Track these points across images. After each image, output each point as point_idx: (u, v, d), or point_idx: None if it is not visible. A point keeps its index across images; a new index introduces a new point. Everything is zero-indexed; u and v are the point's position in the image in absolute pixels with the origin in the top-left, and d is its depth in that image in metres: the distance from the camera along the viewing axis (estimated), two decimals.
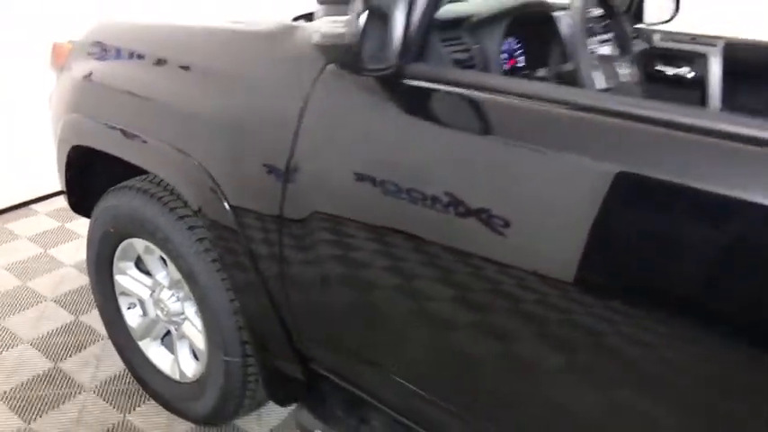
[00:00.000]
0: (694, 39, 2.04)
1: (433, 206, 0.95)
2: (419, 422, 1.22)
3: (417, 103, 0.99)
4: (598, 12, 1.45)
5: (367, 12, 0.84)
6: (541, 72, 1.47)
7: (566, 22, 1.23)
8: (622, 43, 1.48)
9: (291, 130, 1.10)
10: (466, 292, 0.95)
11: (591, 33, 1.39)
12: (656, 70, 2.10)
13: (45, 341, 2.04)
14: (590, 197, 0.80)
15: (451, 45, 1.26)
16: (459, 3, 1.37)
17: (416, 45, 0.98)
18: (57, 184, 1.84)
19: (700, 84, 2.02)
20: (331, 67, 1.07)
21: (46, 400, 1.79)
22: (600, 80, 1.18)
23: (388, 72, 0.92)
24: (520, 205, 0.87)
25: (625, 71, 1.29)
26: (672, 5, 2.17)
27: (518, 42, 1.40)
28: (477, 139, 0.94)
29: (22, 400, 1.78)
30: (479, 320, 0.96)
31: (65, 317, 2.17)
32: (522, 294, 0.88)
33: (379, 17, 0.88)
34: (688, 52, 2.03)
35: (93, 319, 2.11)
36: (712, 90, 2.01)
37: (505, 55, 1.38)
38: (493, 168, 0.91)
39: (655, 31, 2.15)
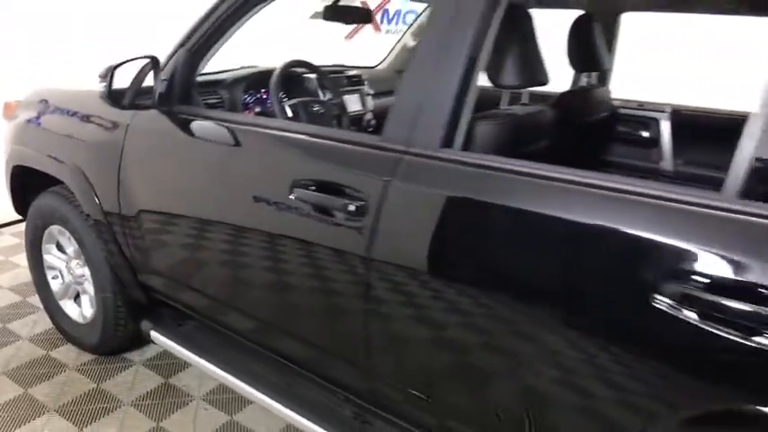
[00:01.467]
0: None
1: (197, 184, 1.79)
2: (219, 323, 2.01)
3: (180, 127, 1.84)
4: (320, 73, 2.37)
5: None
6: None
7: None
8: (323, 92, 2.36)
9: (119, 153, 1.95)
10: (232, 235, 1.74)
11: (323, 87, 2.29)
12: None
13: None
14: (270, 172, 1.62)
15: (209, 95, 2.14)
16: (219, 72, 2.27)
17: (181, 95, 1.84)
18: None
19: None
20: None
21: None
22: (290, 113, 2.04)
23: (151, 109, 1.80)
24: (223, 178, 1.71)
25: (317, 108, 2.14)
26: None
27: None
28: (209, 144, 1.78)
29: None
30: (240, 245, 1.75)
31: (15, 298, 2.97)
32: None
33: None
34: None
35: (36, 300, 2.88)
36: None
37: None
38: (215, 160, 1.75)
39: None
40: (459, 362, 1.34)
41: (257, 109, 2.24)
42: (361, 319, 1.46)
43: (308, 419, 1.66)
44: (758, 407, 0.96)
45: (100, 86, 1.77)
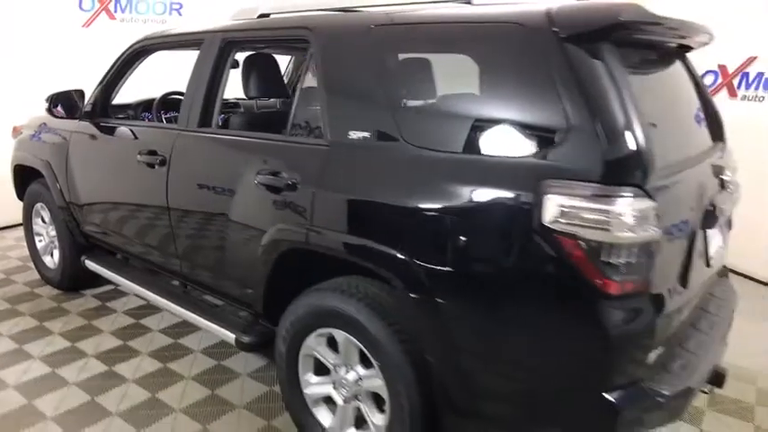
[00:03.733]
0: None
1: (107, 162, 3.05)
2: (116, 248, 3.23)
3: (101, 130, 3.11)
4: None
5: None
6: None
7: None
8: None
9: (66, 155, 3.25)
10: (121, 192, 3.00)
11: None
12: None
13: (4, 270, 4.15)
14: (125, 157, 2.87)
15: (121, 112, 3.42)
16: (131, 101, 3.57)
17: (100, 111, 3.13)
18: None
19: None
20: None
21: None
22: (164, 121, 3.30)
23: (79, 119, 3.09)
24: (120, 163, 2.96)
25: None
26: None
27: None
28: (112, 138, 3.04)
29: None
30: (124, 196, 3.00)
31: (20, 263, 4.27)
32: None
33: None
34: None
35: (27, 275, 4.17)
36: None
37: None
38: (120, 153, 3.00)
39: None
40: (207, 244, 2.53)
41: (147, 120, 3.53)
42: (169, 226, 2.65)
43: (162, 297, 2.84)
44: (281, 227, 2.09)
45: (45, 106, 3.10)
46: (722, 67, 4.49)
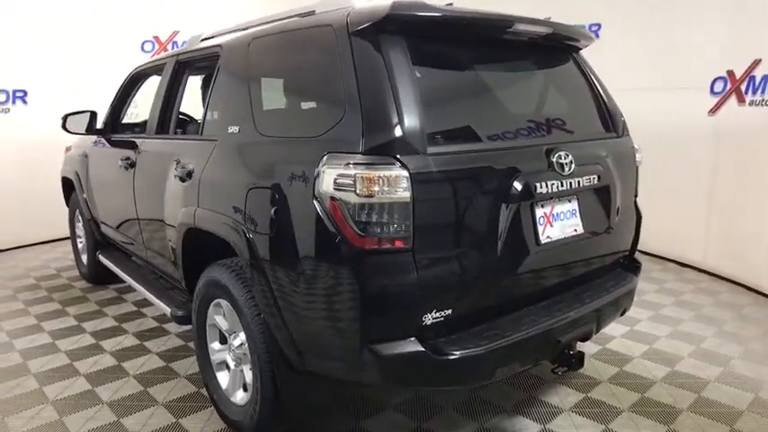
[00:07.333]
0: None
1: (107, 175, 3.66)
2: (128, 251, 3.79)
3: (109, 143, 3.72)
4: None
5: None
6: None
7: None
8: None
9: (87, 165, 3.91)
10: (122, 196, 3.57)
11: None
12: None
13: (38, 258, 4.91)
14: (117, 162, 3.45)
15: (129, 128, 4.00)
16: (135, 121, 4.16)
17: (110, 128, 3.75)
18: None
19: None
20: None
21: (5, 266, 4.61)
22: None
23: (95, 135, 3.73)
24: (112, 169, 3.54)
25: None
26: None
27: None
28: (114, 149, 3.63)
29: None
30: (118, 197, 3.58)
31: (69, 263, 5.04)
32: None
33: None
34: None
35: (72, 272, 4.91)
36: None
37: None
38: (112, 161, 3.59)
39: None
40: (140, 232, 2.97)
41: None
42: (137, 219, 3.14)
43: (132, 278, 3.36)
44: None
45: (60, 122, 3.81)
46: (730, 73, 4.28)
